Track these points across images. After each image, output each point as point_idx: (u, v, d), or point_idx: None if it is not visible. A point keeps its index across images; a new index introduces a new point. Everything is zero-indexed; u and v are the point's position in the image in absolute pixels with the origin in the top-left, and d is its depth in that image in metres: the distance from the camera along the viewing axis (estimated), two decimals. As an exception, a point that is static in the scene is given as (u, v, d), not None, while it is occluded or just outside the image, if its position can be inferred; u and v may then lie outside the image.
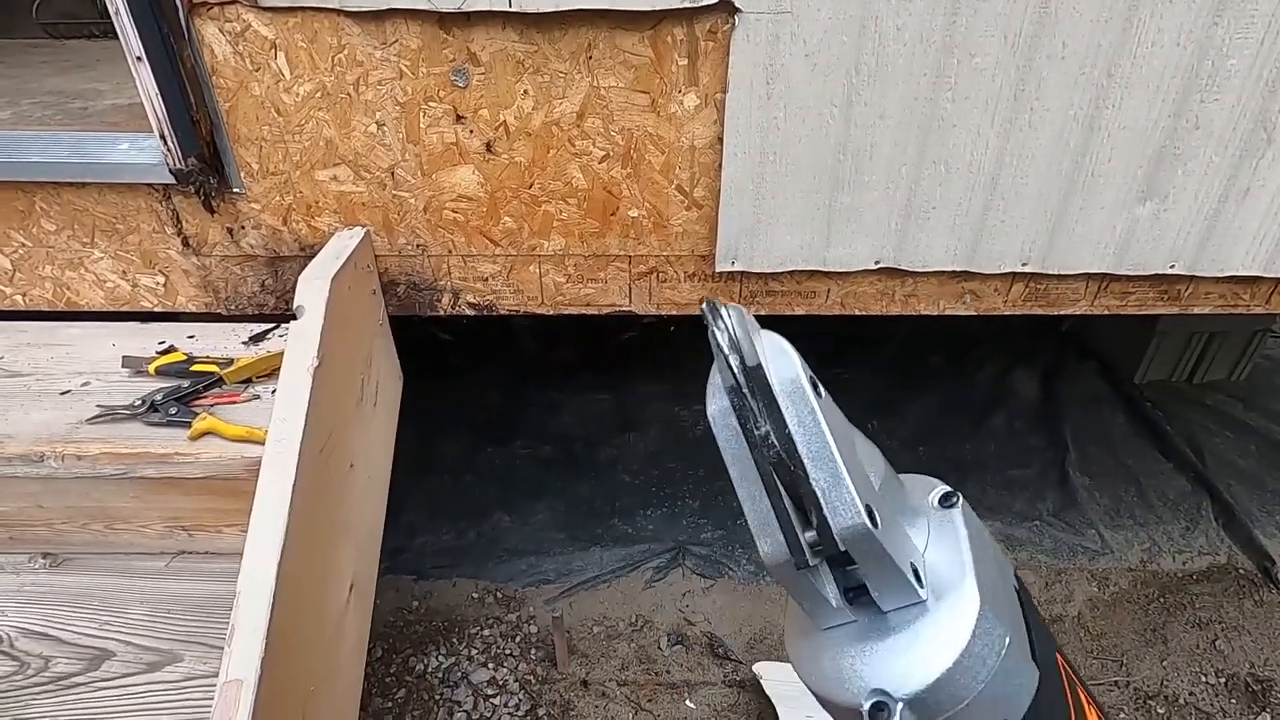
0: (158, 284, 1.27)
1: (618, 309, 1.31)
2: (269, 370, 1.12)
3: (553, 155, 1.14)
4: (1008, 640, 0.32)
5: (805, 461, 0.33)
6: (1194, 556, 2.16)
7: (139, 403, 1.04)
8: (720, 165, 1.12)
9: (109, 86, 1.71)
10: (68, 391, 1.10)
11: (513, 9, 0.99)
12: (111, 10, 0.98)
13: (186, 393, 1.06)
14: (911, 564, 0.33)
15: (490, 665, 1.93)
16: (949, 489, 0.36)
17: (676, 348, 2.97)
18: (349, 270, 1.11)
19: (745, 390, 0.33)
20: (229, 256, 1.24)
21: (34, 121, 1.45)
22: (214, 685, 0.94)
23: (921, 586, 0.33)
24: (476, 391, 2.79)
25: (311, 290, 1.04)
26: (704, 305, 0.36)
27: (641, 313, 1.32)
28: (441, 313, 1.31)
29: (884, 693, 0.32)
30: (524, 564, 2.24)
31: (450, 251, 1.23)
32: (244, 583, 0.87)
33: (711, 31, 1.03)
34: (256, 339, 1.23)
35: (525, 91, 1.08)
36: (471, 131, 1.11)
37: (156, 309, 1.30)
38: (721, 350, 0.34)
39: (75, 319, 1.30)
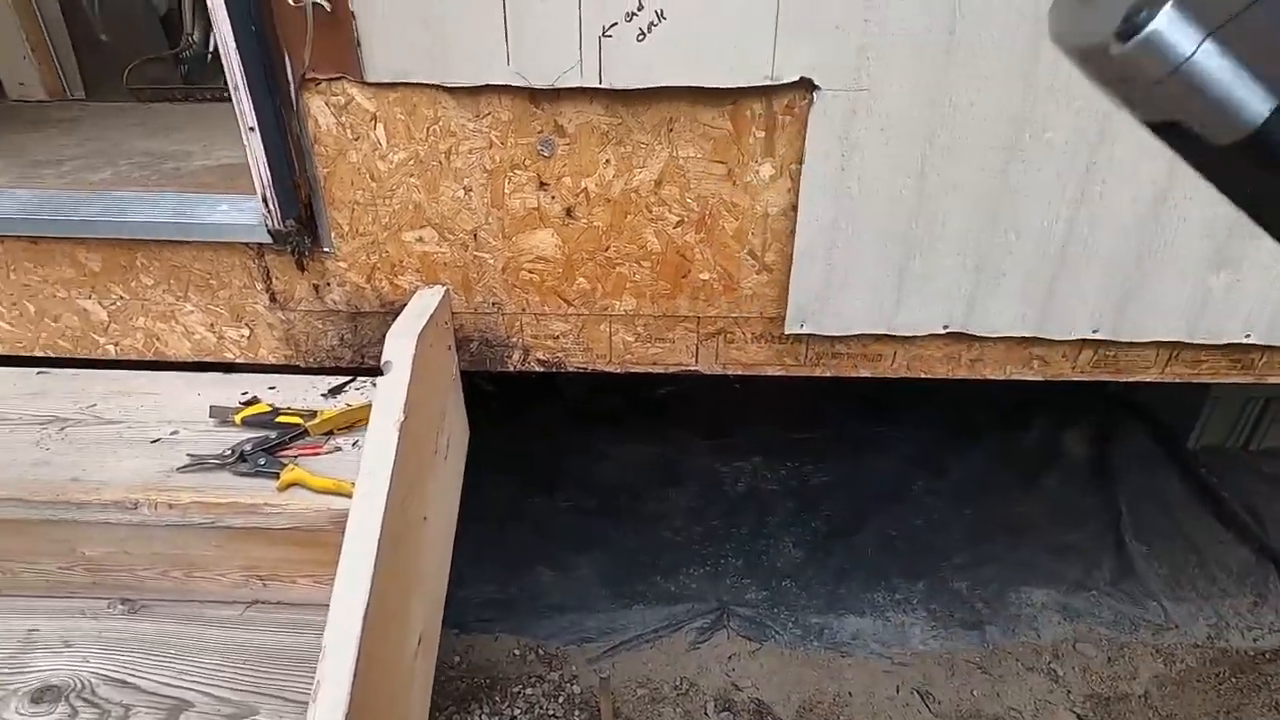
0: (242, 336, 1.32)
1: (684, 368, 1.33)
2: (350, 423, 1.15)
3: (629, 220, 1.18)
4: None
5: None
6: (1265, 634, 2.07)
7: (228, 453, 1.07)
8: (793, 232, 1.16)
9: (197, 148, 1.81)
10: (158, 440, 1.14)
11: (603, 85, 1.04)
12: (230, 84, 1.05)
13: (274, 444, 1.09)
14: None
15: (533, 726, 1.89)
16: None
17: (713, 404, 2.98)
18: (431, 327, 1.15)
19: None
20: (312, 311, 1.28)
21: (132, 182, 1.54)
22: (290, 741, 0.93)
23: None
24: (518, 443, 2.81)
25: (399, 347, 1.07)
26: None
27: (707, 372, 1.33)
28: (511, 369, 1.34)
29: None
30: (566, 620, 2.21)
31: (524, 310, 1.26)
32: (331, 637, 0.88)
33: (789, 107, 1.07)
34: (335, 391, 1.27)
35: (607, 161, 1.13)
36: (553, 198, 1.16)
37: (238, 360, 1.35)
38: None
39: (159, 368, 1.35)
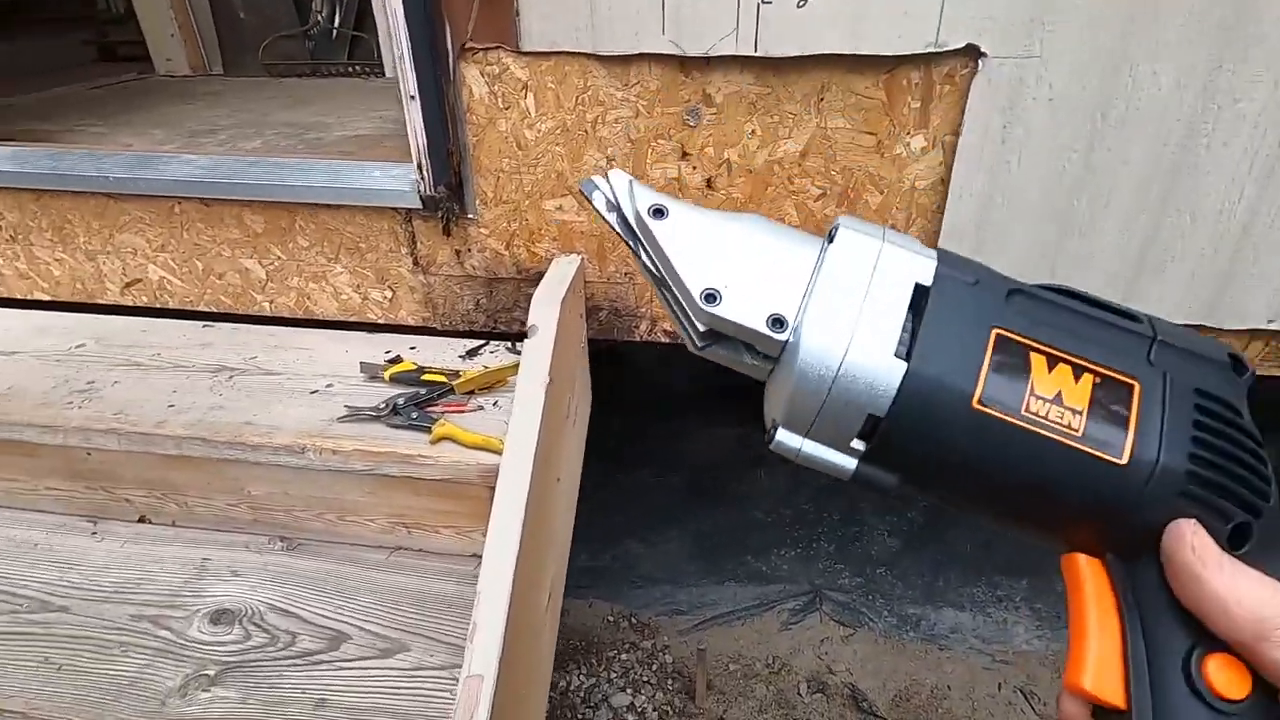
0: (385, 298, 1.39)
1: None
2: (490, 384, 1.20)
3: (769, 192, 1.17)
4: (844, 348, 0.33)
5: (666, 279, 0.38)
6: None
7: (383, 405, 1.13)
8: (940, 208, 1.12)
9: (332, 120, 1.91)
10: (315, 391, 1.22)
11: (757, 53, 1.03)
12: (395, 55, 1.10)
13: (423, 399, 1.15)
14: (771, 315, 0.35)
15: (629, 690, 1.94)
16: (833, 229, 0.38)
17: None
18: (570, 295, 1.18)
19: (625, 238, 0.39)
20: (452, 276, 1.34)
21: (281, 150, 1.63)
22: (440, 676, 0.99)
23: (782, 331, 0.35)
24: (602, 417, 2.85)
25: (545, 313, 1.11)
26: (581, 186, 0.41)
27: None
28: (637, 339, 1.36)
29: (773, 421, 0.37)
30: (658, 592, 2.25)
31: (655, 280, 1.28)
32: (485, 584, 0.92)
33: (950, 75, 1.03)
34: (472, 353, 1.32)
35: (752, 131, 1.12)
36: (694, 168, 1.16)
37: (379, 320, 1.42)
38: (599, 211, 0.39)
39: (308, 326, 1.44)
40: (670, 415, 2.85)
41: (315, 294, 1.41)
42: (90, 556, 1.20)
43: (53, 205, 1.40)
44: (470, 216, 1.26)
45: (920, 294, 0.34)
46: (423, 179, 1.19)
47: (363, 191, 1.26)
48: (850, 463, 0.35)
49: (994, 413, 0.32)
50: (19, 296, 1.52)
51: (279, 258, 1.38)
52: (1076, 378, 0.33)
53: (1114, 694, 0.30)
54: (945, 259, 0.36)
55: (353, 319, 1.43)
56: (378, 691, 0.98)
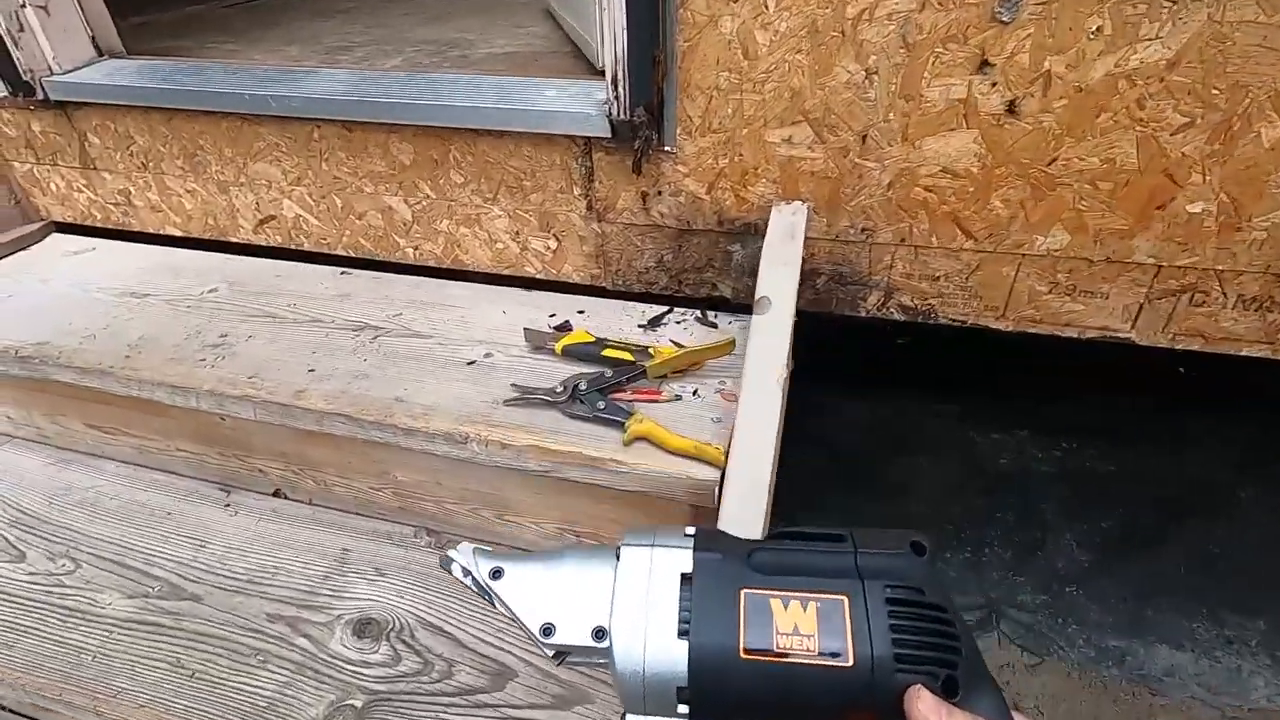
0: (548, 249, 1.15)
1: (1109, 334, 0.98)
2: (685, 366, 0.95)
3: (1101, 121, 0.82)
4: (643, 643, 0.40)
5: (516, 620, 0.44)
6: None
7: (560, 389, 0.90)
8: (1387, 145, 0.74)
9: (475, 36, 1.66)
10: (473, 362, 1.00)
11: (1147, -98, 0.68)
12: (596, -76, 0.82)
13: (609, 383, 0.91)
14: (594, 629, 0.42)
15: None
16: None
17: (964, 361, 2.54)
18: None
19: (481, 595, 0.46)
20: (633, 225, 1.08)
21: (425, 67, 1.40)
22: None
23: (604, 639, 0.42)
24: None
25: (780, 279, 0.83)
26: (441, 562, 0.47)
27: (1141, 342, 0.97)
28: (862, 313, 1.06)
29: (621, 712, 0.42)
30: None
31: (903, 240, 0.97)
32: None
33: None
34: (654, 323, 1.07)
35: (1097, 29, 0.77)
36: (994, 84, 0.83)
37: (538, 275, 1.19)
38: (459, 579, 0.46)
39: (453, 279, 1.23)
40: (812, 390, 2.55)
41: (466, 241, 1.19)
42: (223, 533, 1.06)
43: (184, 129, 1.23)
44: (667, 150, 0.98)
45: (686, 578, 0.42)
46: (616, 99, 0.92)
47: (535, 115, 1.00)
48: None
49: (757, 657, 0.39)
50: (151, 231, 1.39)
51: (428, 196, 1.16)
52: (804, 608, 0.40)
53: None
54: (699, 544, 0.43)
55: (506, 272, 1.20)
56: (556, 756, 0.78)
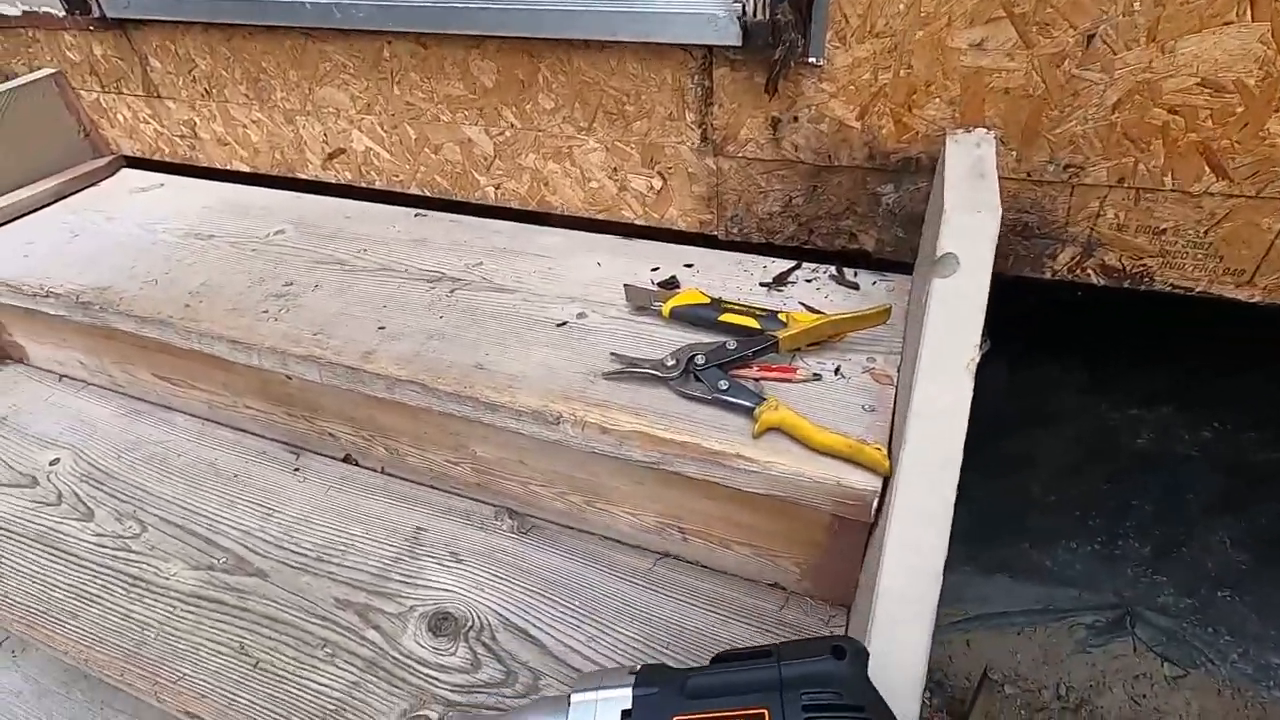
0: (651, 189, 0.97)
1: (1403, 311, 0.73)
2: (823, 337, 0.76)
3: None
4: None
5: None
6: None
7: (671, 362, 0.74)
8: None
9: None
10: (564, 324, 0.85)
11: None
12: None
13: (731, 357, 0.74)
14: None
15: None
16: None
17: (1098, 324, 2.22)
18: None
19: None
20: (757, 160, 0.88)
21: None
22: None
23: None
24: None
25: (970, 228, 0.63)
26: None
27: None
28: (1045, 274, 0.84)
29: None
30: (908, 574, 1.82)
31: (1121, 180, 0.74)
32: None
33: None
34: (778, 281, 0.88)
35: None
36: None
37: (636, 221, 1.02)
38: None
39: (538, 223, 1.07)
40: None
41: (555, 179, 1.02)
42: (291, 501, 0.97)
43: (245, 49, 1.10)
44: (811, 62, 0.77)
45: (626, 714, 0.47)
46: (752, -8, 0.72)
47: (647, 19, 0.81)
48: None
49: None
50: (218, 166, 1.29)
51: (512, 125, 0.99)
52: None
53: None
54: (639, 681, 0.50)
55: (600, 216, 1.04)
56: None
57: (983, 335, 0.60)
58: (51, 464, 1.06)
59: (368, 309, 0.91)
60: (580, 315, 0.86)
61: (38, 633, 0.84)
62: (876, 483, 0.62)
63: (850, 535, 0.69)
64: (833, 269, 0.89)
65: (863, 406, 0.70)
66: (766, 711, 0.44)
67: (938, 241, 0.64)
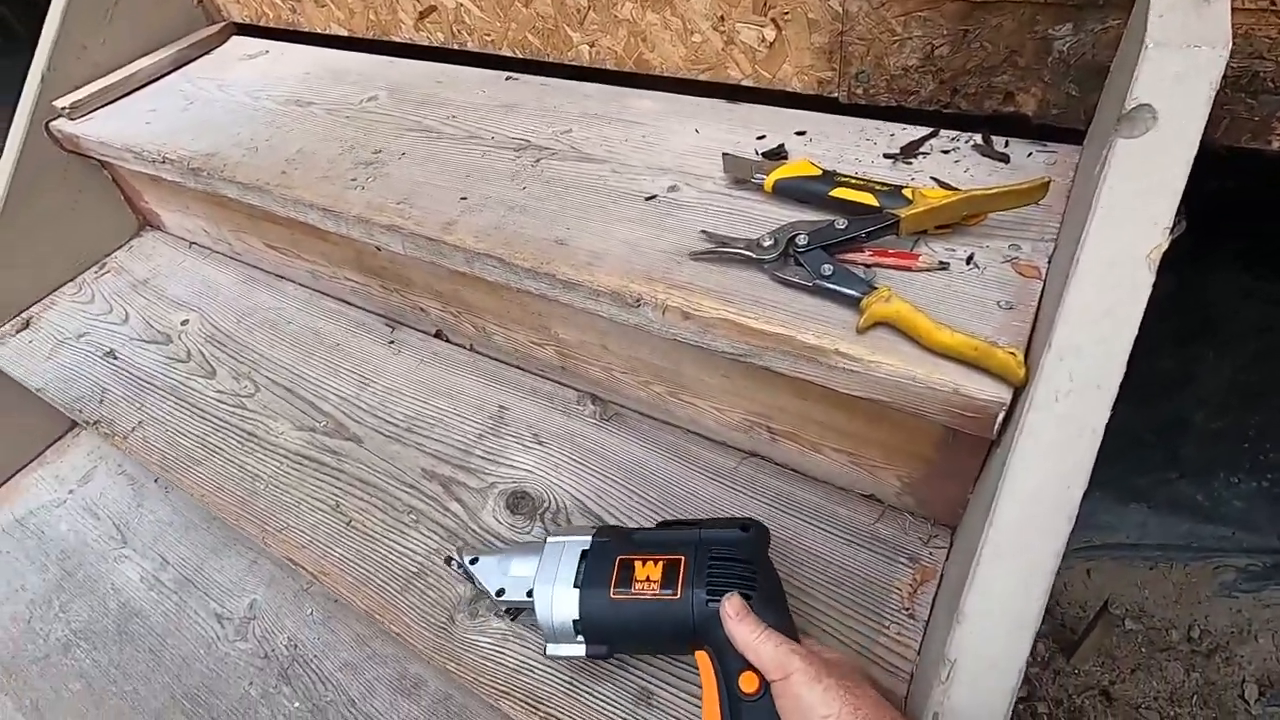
0: (763, 41, 0.83)
1: None
2: (962, 218, 0.63)
3: None
4: (550, 594, 0.60)
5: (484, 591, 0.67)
6: None
7: (769, 242, 0.65)
8: None
9: None
10: (653, 197, 0.77)
11: None
12: None
13: (839, 237, 0.63)
14: (526, 590, 0.63)
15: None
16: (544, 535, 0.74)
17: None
18: (1212, 33, 0.51)
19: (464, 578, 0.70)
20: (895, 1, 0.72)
21: None
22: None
23: (500, 598, 0.65)
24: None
25: (1179, 70, 0.47)
26: (446, 560, 0.76)
27: None
28: (1273, 145, 0.65)
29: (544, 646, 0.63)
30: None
31: None
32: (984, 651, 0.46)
33: None
34: (907, 151, 0.74)
35: None
36: None
37: (743, 81, 0.89)
38: (455, 572, 0.74)
39: (635, 86, 0.96)
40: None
41: (654, 32, 0.90)
42: (385, 372, 0.99)
43: (333, -108, 1.02)
44: None
45: (585, 553, 0.61)
46: None
47: None
48: (580, 649, 0.60)
49: (620, 597, 0.57)
50: (319, 30, 1.26)
51: (607, -33, 0.87)
52: (656, 564, 0.58)
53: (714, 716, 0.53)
54: (598, 533, 0.63)
55: (703, 76, 0.91)
56: (726, 705, 0.63)
57: (1177, 215, 0.46)
58: (182, 324, 1.14)
59: (452, 178, 0.86)
60: (671, 188, 0.77)
61: (171, 475, 0.93)
62: (1005, 393, 0.51)
63: (965, 450, 0.60)
64: (977, 137, 0.74)
65: (998, 303, 0.58)
66: (684, 558, 0.58)
67: (1129, 92, 0.48)
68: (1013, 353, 0.51)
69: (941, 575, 0.66)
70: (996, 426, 0.53)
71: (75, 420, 1.08)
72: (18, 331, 1.20)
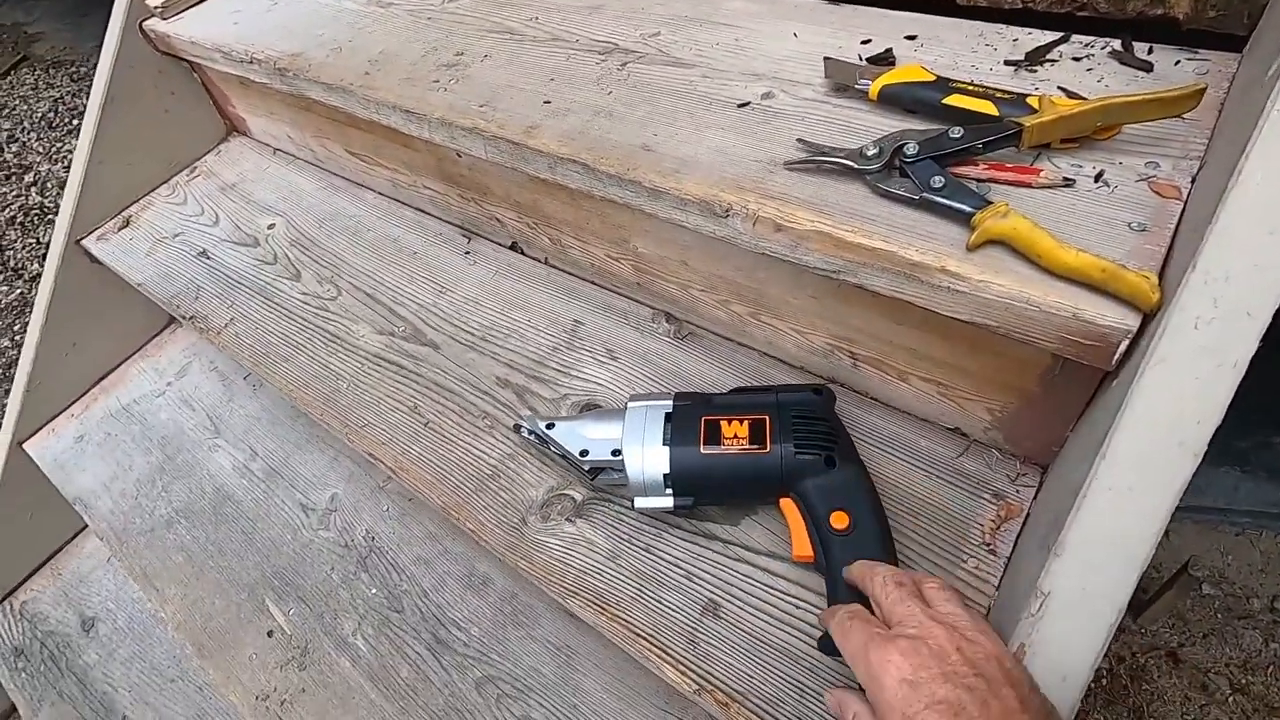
0: (876, -67, 0.76)
1: None
2: (1093, 129, 0.57)
3: None
4: (641, 453, 0.65)
5: (564, 453, 0.71)
6: None
7: (872, 150, 0.60)
8: None
9: None
10: (745, 104, 0.72)
11: None
12: None
13: (951, 147, 0.58)
14: (612, 449, 0.68)
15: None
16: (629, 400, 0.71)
17: None
18: None
19: (538, 444, 0.75)
20: (1038, -123, 0.64)
21: None
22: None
23: (619, 456, 0.67)
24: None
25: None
26: (514, 427, 0.80)
27: None
28: None
29: (631, 499, 0.69)
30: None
31: None
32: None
33: None
34: (1034, 57, 0.67)
35: None
36: None
37: (849, -19, 0.82)
38: (526, 439, 0.77)
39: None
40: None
41: (755, -76, 0.84)
42: (462, 282, 0.99)
43: None
44: None
45: (669, 415, 0.66)
46: None
47: None
48: (669, 500, 0.65)
49: (710, 451, 0.63)
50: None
51: None
52: (742, 423, 0.64)
53: (806, 550, 0.60)
54: (677, 398, 0.68)
55: (805, -24, 0.84)
56: (790, 623, 0.63)
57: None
58: (269, 228, 1.17)
59: (535, 82, 0.83)
60: (766, 95, 0.73)
61: (261, 370, 0.97)
62: (1133, 320, 0.47)
63: (1073, 382, 0.56)
64: (1115, 43, 0.66)
65: (1129, 225, 0.53)
66: (768, 417, 0.64)
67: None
68: (1146, 276, 0.47)
69: (1028, 514, 0.63)
70: (1118, 356, 0.49)
71: (173, 315, 1.13)
72: (119, 229, 1.26)
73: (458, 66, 0.89)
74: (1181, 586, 1.36)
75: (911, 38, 0.74)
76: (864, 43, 0.75)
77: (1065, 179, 0.57)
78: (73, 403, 1.33)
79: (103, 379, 1.35)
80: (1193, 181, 0.54)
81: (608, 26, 0.89)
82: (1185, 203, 0.53)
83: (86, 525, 1.29)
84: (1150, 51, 0.65)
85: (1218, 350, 0.42)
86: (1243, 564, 1.44)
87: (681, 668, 0.62)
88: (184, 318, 1.08)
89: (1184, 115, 0.55)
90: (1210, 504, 1.54)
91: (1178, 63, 0.63)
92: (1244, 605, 1.39)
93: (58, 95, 3.46)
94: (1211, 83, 0.60)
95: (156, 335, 1.39)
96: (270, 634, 0.98)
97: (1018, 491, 0.65)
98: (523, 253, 1.01)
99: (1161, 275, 0.49)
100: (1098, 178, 0.56)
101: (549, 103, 0.80)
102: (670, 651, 0.63)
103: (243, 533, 1.08)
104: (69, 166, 3.13)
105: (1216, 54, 0.63)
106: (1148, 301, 0.46)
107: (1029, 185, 0.57)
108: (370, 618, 0.96)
